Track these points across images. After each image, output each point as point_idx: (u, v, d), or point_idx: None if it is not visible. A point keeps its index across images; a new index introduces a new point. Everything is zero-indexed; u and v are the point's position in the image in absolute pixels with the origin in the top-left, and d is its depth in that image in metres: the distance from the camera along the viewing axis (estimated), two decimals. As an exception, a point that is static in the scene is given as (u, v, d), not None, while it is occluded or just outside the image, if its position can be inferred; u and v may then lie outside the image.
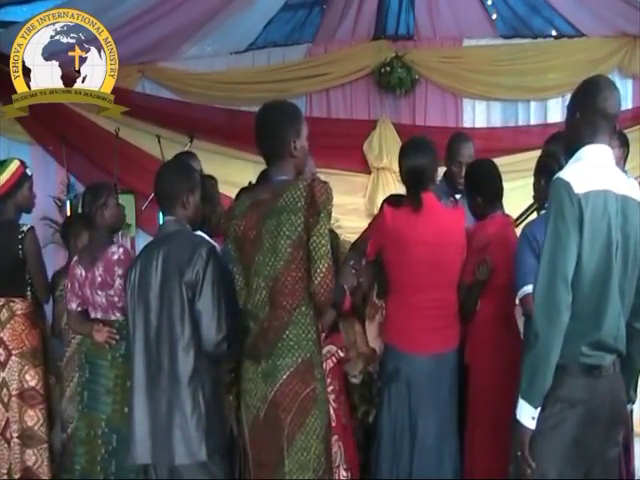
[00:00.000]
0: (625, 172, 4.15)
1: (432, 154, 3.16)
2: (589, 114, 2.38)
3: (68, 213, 5.88)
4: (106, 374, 3.41)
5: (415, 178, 3.10)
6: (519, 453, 2.28)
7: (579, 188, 2.23)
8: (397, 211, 3.13)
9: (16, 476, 3.83)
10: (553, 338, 2.21)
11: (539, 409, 2.26)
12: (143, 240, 5.98)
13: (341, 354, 2.87)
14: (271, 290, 2.55)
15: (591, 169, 2.32)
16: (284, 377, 2.50)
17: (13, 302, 3.88)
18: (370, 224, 3.33)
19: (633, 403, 2.55)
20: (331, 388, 2.85)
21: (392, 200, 3.84)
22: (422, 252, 3.01)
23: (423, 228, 3.04)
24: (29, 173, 3.99)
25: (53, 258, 4.77)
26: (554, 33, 6.80)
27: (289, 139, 2.64)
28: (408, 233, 3.03)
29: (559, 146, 3.42)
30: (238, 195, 3.34)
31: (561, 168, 3.00)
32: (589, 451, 2.30)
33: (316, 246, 2.50)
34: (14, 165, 3.93)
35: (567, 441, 2.27)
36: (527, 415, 2.26)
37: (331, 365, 2.86)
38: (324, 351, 2.84)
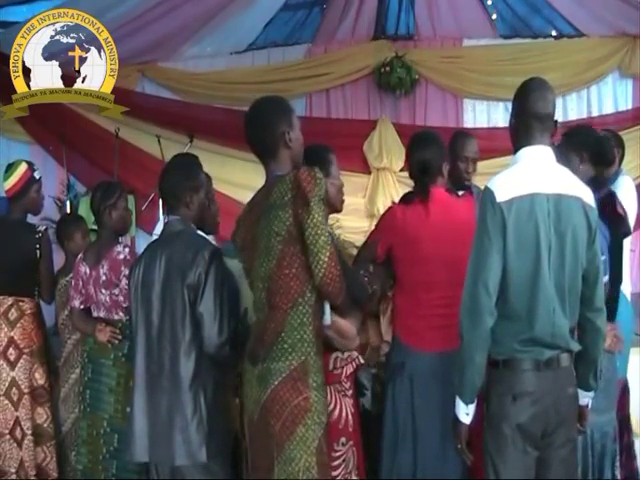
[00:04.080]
0: (620, 171, 4.16)
1: (438, 147, 3.16)
2: (522, 117, 2.46)
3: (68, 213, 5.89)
4: (109, 373, 3.40)
5: (421, 170, 3.08)
6: (459, 446, 2.44)
7: (502, 196, 2.32)
8: (407, 208, 3.11)
9: (32, 473, 3.83)
10: (476, 340, 2.33)
11: (472, 405, 2.40)
12: (143, 240, 5.99)
13: (361, 360, 2.83)
14: (267, 291, 2.48)
15: (520, 173, 2.40)
16: (275, 382, 2.42)
17: (22, 302, 3.88)
18: (377, 226, 3.27)
19: (594, 391, 2.58)
20: (350, 392, 2.81)
21: (405, 197, 3.83)
22: (433, 249, 2.99)
23: (434, 224, 3.01)
24: (37, 176, 3.98)
25: (53, 258, 4.76)
26: (554, 33, 6.81)
27: (282, 130, 2.55)
28: (419, 229, 3.00)
29: (567, 144, 3.40)
30: None
31: None
32: (538, 442, 2.37)
33: (313, 238, 2.38)
34: (22, 168, 3.93)
35: (513, 433, 2.34)
36: (461, 411, 2.41)
37: (350, 370, 2.81)
38: (346, 355, 2.74)
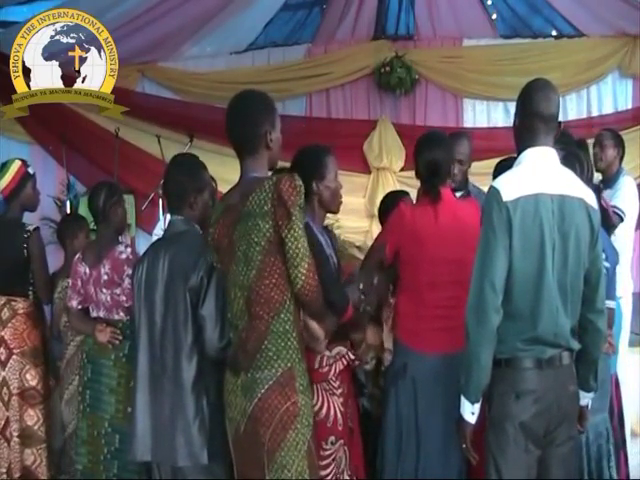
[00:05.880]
0: (621, 171, 4.16)
1: (448, 147, 3.15)
2: (526, 118, 2.46)
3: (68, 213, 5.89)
4: (109, 373, 3.39)
5: (432, 171, 3.07)
6: (464, 445, 2.45)
7: (508, 195, 2.33)
8: (415, 208, 3.10)
9: (16, 475, 3.83)
10: (482, 338, 2.33)
11: (477, 405, 2.39)
12: (143, 240, 5.99)
13: (351, 356, 2.82)
14: (247, 300, 2.46)
15: (525, 173, 2.41)
16: (262, 391, 2.41)
17: (15, 301, 3.88)
18: (385, 227, 3.25)
19: (595, 392, 2.59)
20: (340, 391, 2.78)
21: (395, 196, 3.81)
22: (441, 249, 2.97)
23: (443, 225, 3.01)
24: (31, 172, 3.98)
25: (53, 258, 4.75)
26: (554, 33, 6.81)
27: (265, 129, 2.51)
28: (428, 230, 2.99)
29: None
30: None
31: None
32: (540, 440, 2.37)
33: (293, 252, 2.39)
34: (15, 166, 3.94)
35: (516, 432, 2.35)
36: (467, 410, 2.41)
37: (341, 367, 2.77)
38: (334, 352, 2.76)
